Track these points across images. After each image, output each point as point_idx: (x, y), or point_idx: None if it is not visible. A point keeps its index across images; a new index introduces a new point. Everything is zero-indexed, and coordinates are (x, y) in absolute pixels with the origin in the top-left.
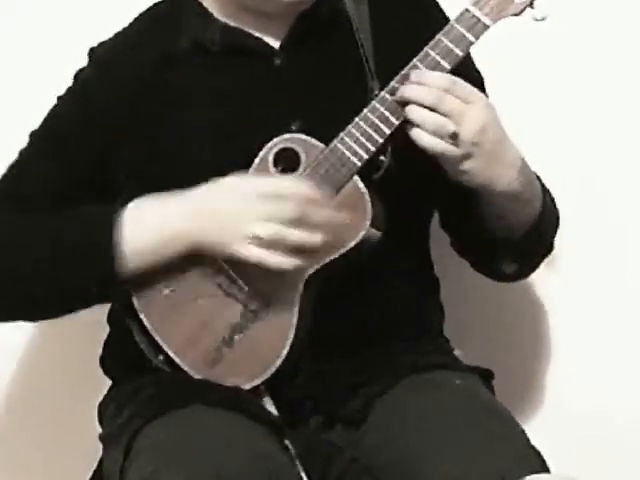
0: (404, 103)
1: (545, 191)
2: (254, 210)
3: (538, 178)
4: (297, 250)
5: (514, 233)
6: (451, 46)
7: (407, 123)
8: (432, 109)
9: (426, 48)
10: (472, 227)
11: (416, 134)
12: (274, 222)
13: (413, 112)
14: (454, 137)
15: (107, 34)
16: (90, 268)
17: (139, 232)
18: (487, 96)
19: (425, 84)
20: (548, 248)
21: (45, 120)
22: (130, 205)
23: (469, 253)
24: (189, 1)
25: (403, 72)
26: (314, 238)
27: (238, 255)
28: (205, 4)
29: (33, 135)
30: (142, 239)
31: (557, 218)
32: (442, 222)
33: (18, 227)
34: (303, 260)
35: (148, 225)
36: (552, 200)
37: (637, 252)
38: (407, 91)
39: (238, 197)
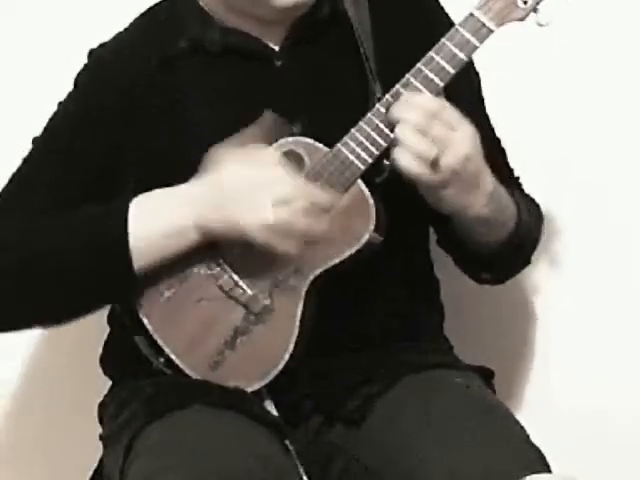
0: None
1: (520, 211)
2: (266, 194)
3: (521, 190)
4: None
5: (485, 250)
6: (455, 50)
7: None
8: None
9: (430, 52)
10: (447, 238)
11: (396, 154)
12: (286, 208)
13: (399, 132)
14: (434, 163)
15: (106, 36)
16: (102, 265)
17: (149, 223)
18: (483, 98)
19: (414, 106)
20: (524, 261)
21: (47, 126)
22: (139, 197)
23: (450, 254)
24: (188, 3)
25: (407, 76)
26: (321, 226)
27: (248, 237)
28: (205, 8)
29: (36, 141)
30: (152, 230)
31: (536, 234)
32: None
33: (28, 233)
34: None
35: (158, 215)
36: (534, 216)
37: (636, 250)
38: (395, 111)
39: (249, 179)
